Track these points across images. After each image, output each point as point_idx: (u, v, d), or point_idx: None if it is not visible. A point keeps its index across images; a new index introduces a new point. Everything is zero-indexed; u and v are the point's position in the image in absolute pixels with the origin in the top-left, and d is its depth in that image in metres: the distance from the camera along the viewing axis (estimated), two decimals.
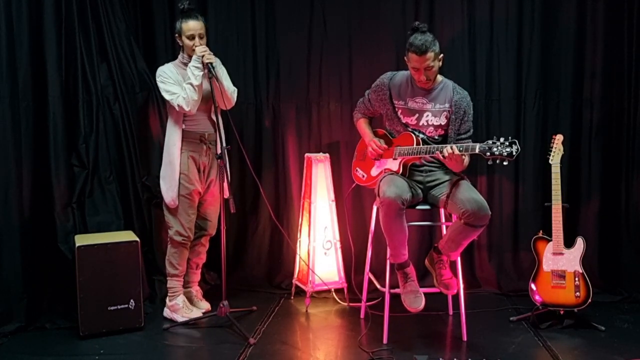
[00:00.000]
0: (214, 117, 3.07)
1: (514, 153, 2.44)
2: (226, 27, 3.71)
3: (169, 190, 3.07)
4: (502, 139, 2.47)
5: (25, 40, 2.97)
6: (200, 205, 3.21)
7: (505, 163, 2.48)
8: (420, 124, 2.81)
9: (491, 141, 2.49)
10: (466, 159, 2.68)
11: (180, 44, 3.06)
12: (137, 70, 3.44)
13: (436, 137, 2.81)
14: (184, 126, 3.07)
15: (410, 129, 2.82)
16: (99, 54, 3.32)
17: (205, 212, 3.23)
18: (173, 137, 3.07)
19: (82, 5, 3.22)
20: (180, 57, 3.10)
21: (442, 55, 2.73)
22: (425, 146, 2.70)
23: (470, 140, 2.82)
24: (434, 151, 2.63)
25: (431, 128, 2.80)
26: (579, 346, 2.79)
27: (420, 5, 3.60)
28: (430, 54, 2.63)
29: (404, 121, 2.83)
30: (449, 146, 2.57)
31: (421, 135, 2.81)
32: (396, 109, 2.83)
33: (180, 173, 3.06)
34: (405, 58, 2.74)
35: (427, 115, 2.79)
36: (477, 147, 2.51)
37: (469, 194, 2.61)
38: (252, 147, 3.75)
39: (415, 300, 2.71)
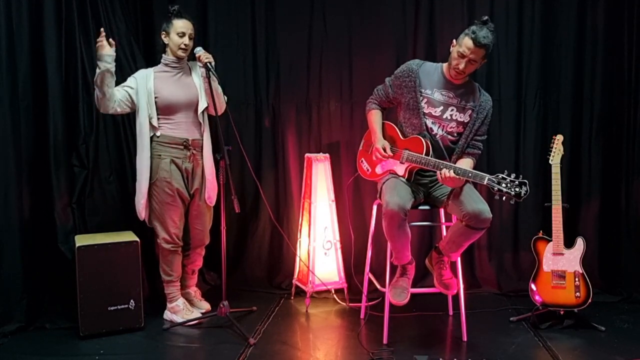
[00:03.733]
0: (200, 120, 3.05)
1: (522, 195, 2.39)
2: (226, 27, 3.71)
3: (138, 202, 3.01)
4: (512, 176, 2.42)
5: (25, 41, 2.97)
6: (189, 216, 3.14)
7: (511, 202, 2.44)
8: (444, 116, 2.73)
9: (501, 175, 2.43)
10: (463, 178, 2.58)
11: (166, 42, 2.99)
12: (137, 70, 3.42)
13: (455, 134, 2.75)
14: (162, 131, 2.98)
15: (430, 122, 2.73)
16: None
17: (194, 224, 3.15)
18: (141, 143, 2.98)
19: (82, 5, 3.22)
20: (163, 59, 3.03)
21: (485, 61, 2.67)
22: (434, 160, 2.63)
23: (482, 144, 2.80)
24: (441, 167, 2.55)
25: (454, 123, 2.73)
26: (579, 346, 2.79)
27: (421, 6, 3.60)
28: (483, 51, 2.57)
29: (426, 111, 2.73)
30: (452, 169, 2.52)
31: (438, 130, 2.74)
32: (421, 98, 2.74)
33: (163, 180, 2.97)
34: (454, 40, 2.67)
35: (452, 110, 2.73)
36: (486, 179, 2.45)
37: (470, 196, 2.58)
38: (252, 147, 3.75)
39: (400, 295, 2.72)
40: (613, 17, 3.52)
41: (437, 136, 2.75)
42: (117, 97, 2.91)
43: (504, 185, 2.42)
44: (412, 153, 2.72)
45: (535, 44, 3.58)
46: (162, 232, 3.05)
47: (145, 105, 2.95)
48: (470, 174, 2.50)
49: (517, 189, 2.40)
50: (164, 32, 2.99)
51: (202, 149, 3.07)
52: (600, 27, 3.54)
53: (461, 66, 2.61)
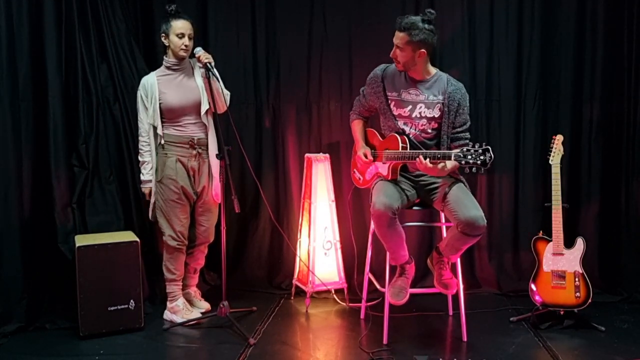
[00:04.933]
0: (204, 121, 3.08)
1: (487, 161, 2.35)
2: (226, 27, 3.71)
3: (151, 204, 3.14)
4: (476, 145, 2.39)
5: (25, 40, 2.97)
6: (195, 213, 3.17)
7: (481, 172, 2.41)
8: (414, 115, 2.73)
9: (466, 148, 2.41)
10: (446, 166, 2.54)
11: (167, 44, 3.01)
12: (137, 70, 3.44)
13: (429, 130, 2.75)
14: (167, 131, 3.04)
15: (401, 123, 2.75)
16: (99, 54, 3.31)
17: (200, 221, 3.18)
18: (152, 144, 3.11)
19: (82, 5, 3.22)
20: (164, 61, 3.05)
21: (423, 50, 2.61)
22: (409, 151, 2.64)
23: (468, 133, 2.78)
24: (416, 157, 2.55)
25: (424, 120, 2.73)
26: (579, 346, 2.79)
27: (421, 6, 3.59)
28: (404, 35, 2.58)
29: (395, 113, 2.76)
30: (422, 155, 2.52)
31: (410, 130, 2.74)
32: (389, 101, 2.77)
33: (168, 178, 3.02)
34: None
35: (421, 107, 2.72)
36: (453, 155, 2.43)
37: (464, 203, 2.56)
38: (252, 147, 3.75)
39: (399, 295, 2.73)
40: (613, 17, 3.52)
41: (411, 135, 2.76)
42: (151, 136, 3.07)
43: (469, 157, 2.39)
44: (390, 150, 2.75)
45: (535, 44, 3.58)
46: (168, 229, 3.07)
47: (152, 112, 3.00)
48: (439, 155, 2.50)
49: (481, 158, 2.37)
50: (163, 34, 3.00)
51: (207, 148, 3.10)
52: (600, 27, 3.54)
53: (392, 53, 2.67)
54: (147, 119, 3.03)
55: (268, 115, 3.77)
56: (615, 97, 3.57)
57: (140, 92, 3.03)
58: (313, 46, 3.70)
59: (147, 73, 3.44)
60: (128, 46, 3.44)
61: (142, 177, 3.10)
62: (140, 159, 3.10)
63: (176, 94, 3.01)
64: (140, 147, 3.08)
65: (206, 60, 2.91)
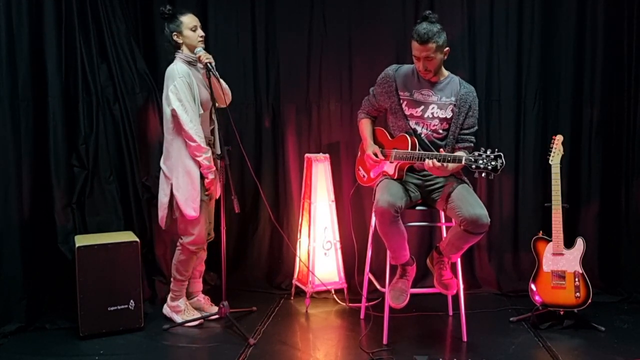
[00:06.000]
0: (213, 117, 3.08)
1: (498, 167, 2.39)
2: (226, 27, 3.71)
3: (188, 200, 2.89)
4: (488, 151, 2.42)
5: (25, 40, 2.97)
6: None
7: (491, 177, 2.43)
8: (426, 115, 2.74)
9: (477, 153, 2.44)
10: (450, 166, 2.56)
11: (180, 42, 2.97)
12: (137, 70, 3.44)
13: (440, 131, 2.76)
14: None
15: (413, 123, 2.75)
16: (99, 54, 3.31)
17: (210, 218, 3.18)
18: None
19: (82, 5, 3.22)
20: (182, 55, 2.97)
21: (447, 48, 2.66)
22: (418, 152, 2.66)
23: (474, 137, 2.79)
24: (425, 158, 2.57)
25: (436, 121, 2.74)
26: (579, 346, 2.79)
27: (420, 6, 3.59)
28: (432, 45, 2.58)
29: (407, 113, 2.76)
30: (434, 157, 2.54)
31: (422, 130, 2.75)
32: (401, 101, 2.78)
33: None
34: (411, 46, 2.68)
35: (433, 108, 2.73)
36: (464, 159, 2.46)
37: (467, 200, 2.57)
38: (252, 147, 3.75)
39: (399, 298, 2.73)
40: (613, 16, 3.52)
41: (423, 135, 2.76)
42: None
43: (480, 162, 2.42)
44: (399, 150, 2.75)
45: (535, 44, 3.58)
46: (197, 233, 2.99)
47: (197, 104, 2.93)
48: (449, 158, 2.52)
49: (493, 163, 2.40)
50: (175, 33, 2.96)
51: (214, 144, 3.11)
52: (600, 26, 3.54)
53: (421, 67, 2.66)
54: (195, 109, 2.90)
55: (268, 116, 3.77)
56: (615, 97, 3.57)
57: (186, 80, 2.87)
58: (313, 46, 3.70)
59: (147, 73, 3.46)
60: (128, 46, 3.44)
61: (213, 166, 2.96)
62: (205, 146, 2.90)
63: (203, 90, 3.00)
64: (202, 139, 2.89)
65: (207, 61, 2.91)
